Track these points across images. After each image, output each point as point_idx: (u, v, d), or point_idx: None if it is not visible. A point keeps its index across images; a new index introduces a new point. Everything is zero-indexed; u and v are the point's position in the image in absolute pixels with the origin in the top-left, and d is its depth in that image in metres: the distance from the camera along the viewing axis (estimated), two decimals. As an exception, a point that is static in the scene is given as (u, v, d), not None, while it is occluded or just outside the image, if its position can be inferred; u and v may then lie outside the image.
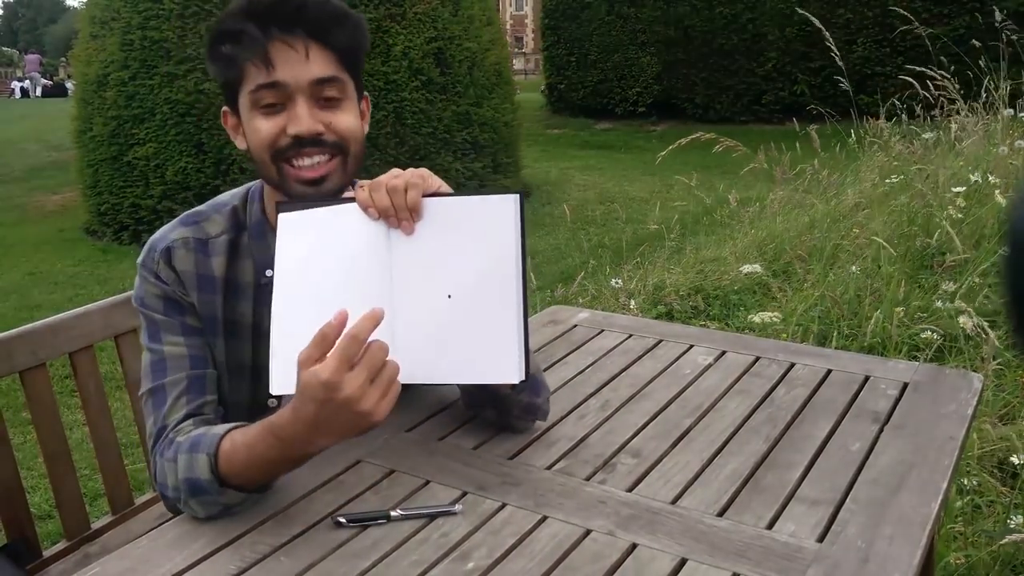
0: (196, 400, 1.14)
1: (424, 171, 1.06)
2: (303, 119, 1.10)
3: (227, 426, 1.06)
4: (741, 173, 4.35)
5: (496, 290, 1.04)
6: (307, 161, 1.11)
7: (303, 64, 1.09)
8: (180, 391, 1.13)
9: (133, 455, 2.55)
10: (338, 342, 0.91)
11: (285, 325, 1.02)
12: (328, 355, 0.91)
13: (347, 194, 1.09)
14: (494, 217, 1.05)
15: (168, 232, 1.20)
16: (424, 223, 1.05)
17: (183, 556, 0.98)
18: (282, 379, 1.01)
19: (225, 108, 1.19)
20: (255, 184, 1.24)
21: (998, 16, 4.82)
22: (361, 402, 0.92)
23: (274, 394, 1.03)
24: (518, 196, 1.05)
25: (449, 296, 1.04)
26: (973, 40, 5.10)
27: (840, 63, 4.43)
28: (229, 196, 1.25)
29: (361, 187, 1.06)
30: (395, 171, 1.06)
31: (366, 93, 1.22)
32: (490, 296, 1.05)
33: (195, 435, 1.06)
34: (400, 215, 1.04)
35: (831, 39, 4.35)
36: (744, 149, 3.96)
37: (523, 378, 1.05)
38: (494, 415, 1.24)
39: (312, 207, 1.07)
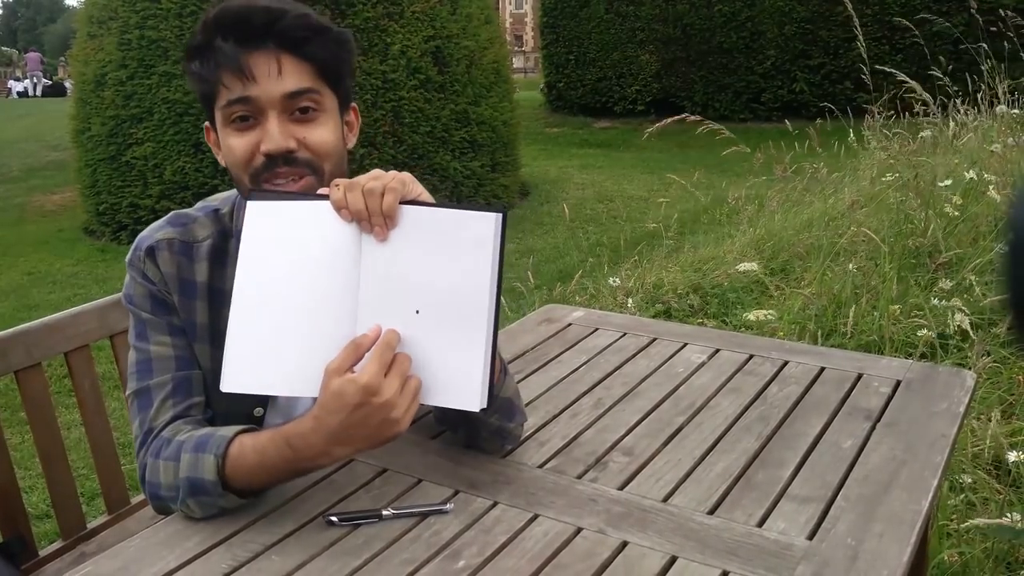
0: (183, 402, 1.13)
1: (406, 176, 1.01)
2: (274, 135, 1.08)
3: (234, 428, 1.05)
4: (751, 183, 4.35)
5: (467, 311, 0.99)
6: (281, 181, 1.10)
7: (274, 78, 1.08)
8: (166, 393, 1.13)
9: (129, 455, 2.55)
10: (373, 349, 0.95)
11: (244, 320, 1.01)
12: (366, 361, 0.95)
13: (321, 191, 1.02)
14: (473, 234, 0.98)
15: (154, 231, 1.18)
16: (399, 231, 0.99)
17: (175, 555, 0.98)
18: (234, 376, 1.01)
19: (207, 124, 1.18)
20: None
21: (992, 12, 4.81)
22: (395, 408, 0.95)
23: (224, 391, 1.01)
24: (500, 215, 0.99)
25: (417, 311, 0.99)
26: (972, 37, 5.10)
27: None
28: (220, 200, 1.23)
29: (336, 186, 1.00)
30: (375, 172, 1.00)
31: (354, 104, 1.20)
32: (460, 317, 0.99)
33: (200, 435, 1.06)
34: (374, 220, 0.98)
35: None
36: (727, 133, 3.95)
37: (483, 407, 1.00)
38: (463, 434, 1.21)
39: (283, 198, 1.04)
